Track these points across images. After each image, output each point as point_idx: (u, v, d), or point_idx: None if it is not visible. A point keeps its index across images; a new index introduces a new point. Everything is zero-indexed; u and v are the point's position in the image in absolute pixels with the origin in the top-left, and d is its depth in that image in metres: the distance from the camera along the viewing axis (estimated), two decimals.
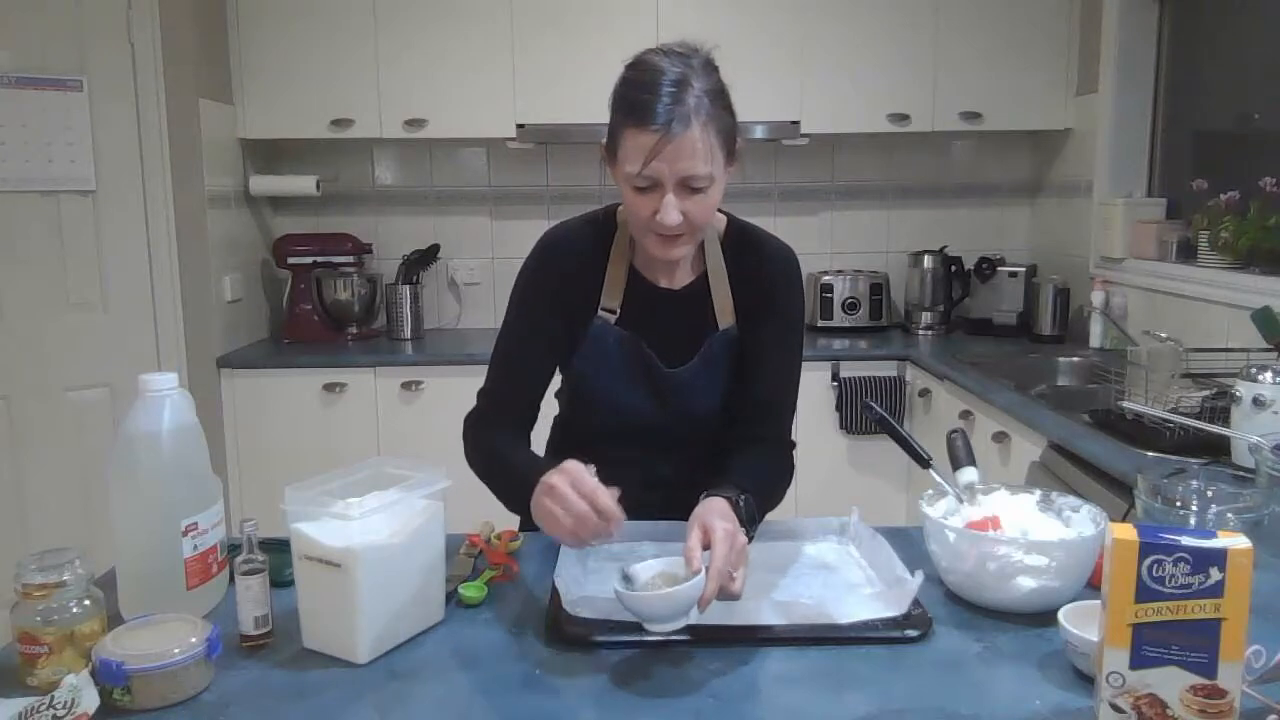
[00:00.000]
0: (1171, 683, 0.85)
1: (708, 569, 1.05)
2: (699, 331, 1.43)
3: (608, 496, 1.13)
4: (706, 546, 1.09)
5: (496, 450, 1.40)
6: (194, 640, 0.98)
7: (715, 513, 1.16)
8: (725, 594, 1.07)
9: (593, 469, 1.16)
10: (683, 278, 1.44)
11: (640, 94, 1.24)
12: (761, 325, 1.43)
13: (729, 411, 1.45)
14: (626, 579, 1.07)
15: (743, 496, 1.23)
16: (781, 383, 1.47)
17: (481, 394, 1.46)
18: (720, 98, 1.27)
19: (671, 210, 1.25)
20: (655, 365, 1.42)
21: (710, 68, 1.28)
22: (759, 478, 1.34)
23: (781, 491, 1.44)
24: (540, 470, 1.19)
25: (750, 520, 1.24)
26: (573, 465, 1.17)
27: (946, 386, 2.93)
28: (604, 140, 1.33)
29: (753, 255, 1.44)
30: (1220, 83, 2.94)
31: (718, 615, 1.09)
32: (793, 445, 1.49)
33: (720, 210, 1.44)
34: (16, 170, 2.74)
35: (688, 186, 1.25)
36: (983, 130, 3.45)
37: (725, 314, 1.43)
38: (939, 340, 3.46)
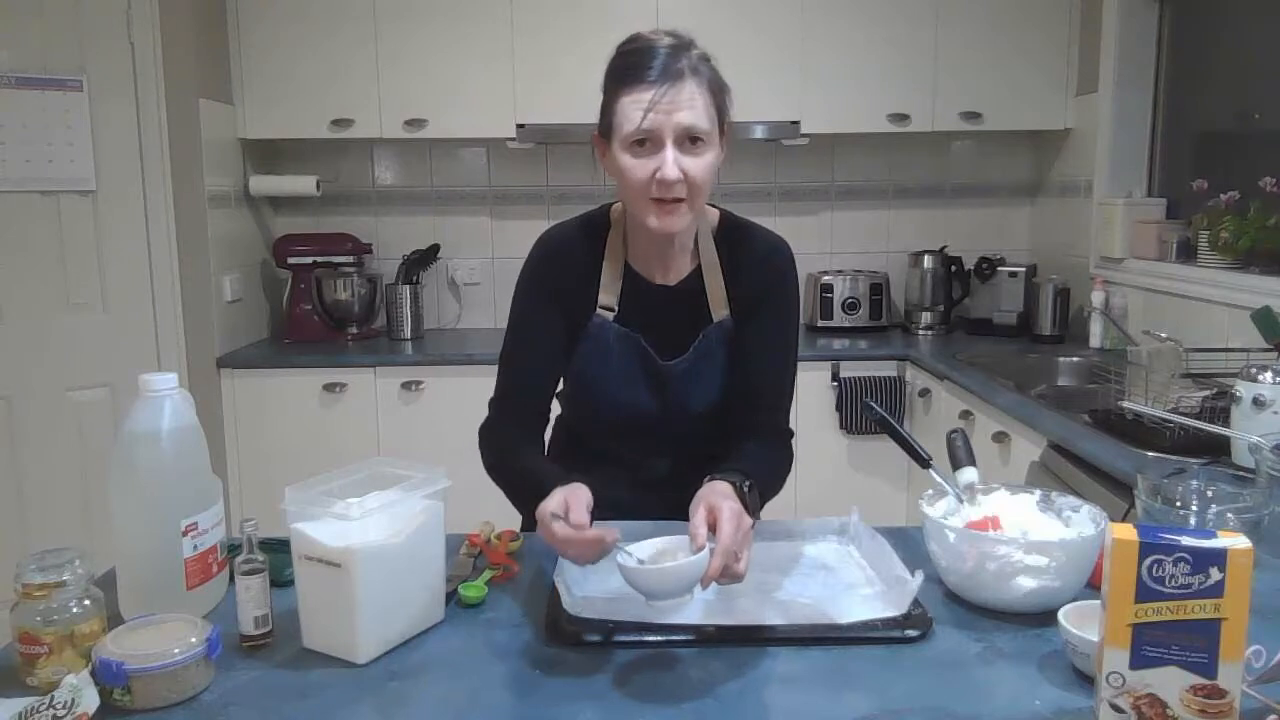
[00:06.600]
0: (1171, 683, 0.85)
1: (712, 548, 1.05)
2: (695, 325, 1.43)
3: (590, 527, 1.11)
4: (711, 526, 1.09)
5: (517, 464, 1.40)
6: (194, 640, 0.98)
7: (721, 494, 1.16)
8: (729, 574, 1.07)
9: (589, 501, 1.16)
10: (678, 273, 1.45)
11: (636, 59, 1.28)
12: (756, 316, 1.44)
13: (727, 408, 1.46)
14: (628, 555, 1.08)
15: (747, 482, 1.24)
16: (778, 372, 1.47)
17: (493, 403, 1.47)
18: (711, 64, 1.31)
19: (671, 165, 1.25)
20: (653, 360, 1.43)
21: (696, 44, 1.32)
22: (760, 465, 1.34)
23: (781, 479, 1.44)
24: (557, 483, 1.19)
25: (753, 506, 1.24)
26: (558, 499, 1.14)
27: (946, 386, 2.93)
28: (595, 130, 1.35)
29: (745, 247, 1.45)
30: (1220, 83, 2.94)
31: (718, 615, 1.10)
32: (791, 434, 1.49)
33: (713, 205, 1.44)
34: (16, 170, 2.74)
35: (687, 140, 1.26)
36: (983, 130, 3.44)
37: (720, 307, 1.44)
38: (939, 340, 3.46)
